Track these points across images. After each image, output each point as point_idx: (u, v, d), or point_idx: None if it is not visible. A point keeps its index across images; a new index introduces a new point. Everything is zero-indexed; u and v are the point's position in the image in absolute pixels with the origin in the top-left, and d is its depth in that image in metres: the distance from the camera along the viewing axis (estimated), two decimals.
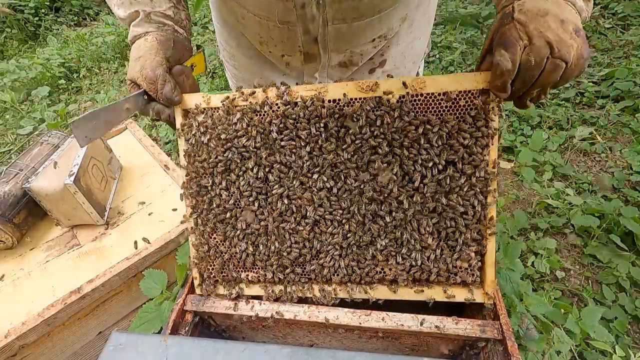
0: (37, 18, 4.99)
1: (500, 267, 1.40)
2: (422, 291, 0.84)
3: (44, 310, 1.21)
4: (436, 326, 0.83)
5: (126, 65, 4.21)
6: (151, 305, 1.09)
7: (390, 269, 0.84)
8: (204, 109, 0.87)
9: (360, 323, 0.84)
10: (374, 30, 1.03)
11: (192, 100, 0.88)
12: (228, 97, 0.85)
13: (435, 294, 0.84)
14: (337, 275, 0.86)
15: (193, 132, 0.87)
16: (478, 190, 0.79)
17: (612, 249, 1.89)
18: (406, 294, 0.85)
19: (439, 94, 0.76)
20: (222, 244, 0.90)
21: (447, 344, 0.91)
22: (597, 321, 1.49)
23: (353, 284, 0.86)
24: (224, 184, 0.86)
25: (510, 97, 0.71)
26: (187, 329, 0.90)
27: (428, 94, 0.76)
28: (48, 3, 5.16)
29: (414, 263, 0.83)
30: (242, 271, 0.90)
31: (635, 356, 1.42)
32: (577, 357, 1.46)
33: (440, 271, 0.83)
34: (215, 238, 0.91)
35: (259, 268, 0.89)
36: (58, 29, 5.04)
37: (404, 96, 0.77)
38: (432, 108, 0.77)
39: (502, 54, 0.65)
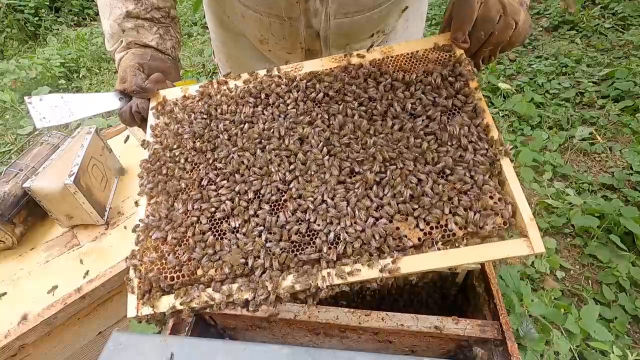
0: (37, 18, 4.99)
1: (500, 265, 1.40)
2: (452, 250, 0.65)
3: (44, 310, 1.21)
4: (436, 326, 0.83)
5: None
6: None
7: (409, 229, 0.66)
8: (183, 98, 0.89)
9: (360, 323, 0.84)
10: (373, 25, 1.04)
11: (168, 93, 0.90)
12: (210, 82, 0.89)
13: (469, 255, 0.64)
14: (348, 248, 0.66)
15: (171, 115, 0.87)
16: (469, 115, 0.74)
17: (612, 249, 1.89)
18: (432, 260, 0.65)
19: (408, 54, 0.83)
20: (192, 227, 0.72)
21: (447, 344, 0.91)
22: (595, 319, 1.49)
23: (367, 259, 0.65)
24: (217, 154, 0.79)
25: (468, 52, 0.80)
26: (187, 329, 0.90)
27: (398, 55, 0.83)
28: (48, 3, 5.15)
29: (428, 212, 0.66)
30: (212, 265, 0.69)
31: (632, 355, 1.42)
32: (577, 357, 1.46)
33: (463, 219, 0.66)
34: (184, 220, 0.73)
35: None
36: (58, 29, 5.04)
37: (375, 60, 0.83)
38: (405, 65, 0.83)
39: (463, 7, 0.75)
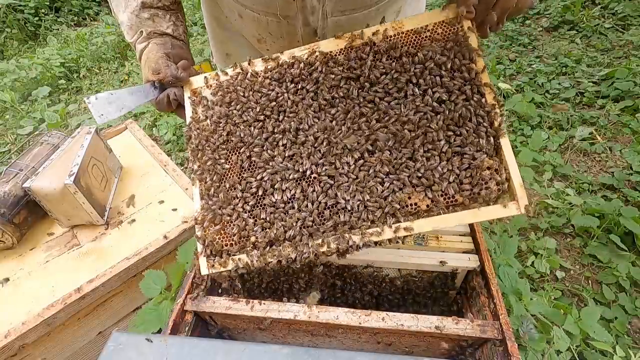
0: (37, 18, 4.99)
1: (499, 263, 1.40)
2: (455, 212, 0.75)
3: (44, 310, 1.21)
4: (436, 326, 0.83)
5: (126, 65, 4.20)
6: (151, 306, 1.09)
7: (419, 198, 0.78)
8: (213, 84, 0.94)
9: (360, 323, 0.84)
10: (371, 23, 1.04)
11: (199, 80, 0.95)
12: (237, 66, 0.93)
13: (468, 216, 0.75)
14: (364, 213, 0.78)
15: (205, 104, 0.94)
16: (471, 93, 0.79)
17: (612, 249, 1.89)
18: (438, 221, 0.76)
19: (417, 29, 0.84)
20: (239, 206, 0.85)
21: (447, 344, 0.91)
22: (596, 321, 1.49)
23: (387, 222, 0.77)
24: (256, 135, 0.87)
25: (475, 20, 0.81)
26: (187, 329, 0.90)
27: (408, 30, 0.84)
28: (48, 3, 5.16)
29: (435, 180, 0.76)
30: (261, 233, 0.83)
31: (635, 356, 1.42)
32: (577, 357, 1.46)
33: (465, 186, 0.75)
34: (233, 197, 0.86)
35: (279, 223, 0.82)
36: (58, 29, 5.04)
37: (389, 36, 0.84)
38: (414, 41, 0.85)
39: None
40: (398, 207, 0.77)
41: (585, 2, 3.84)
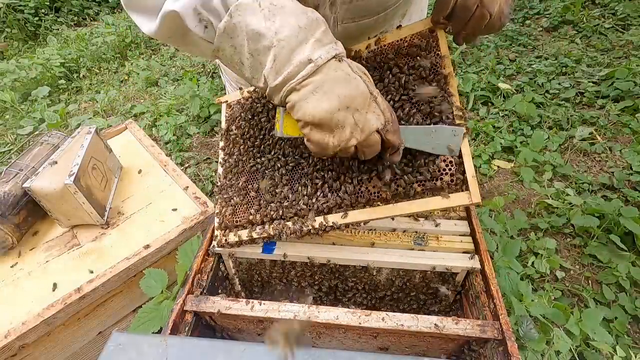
0: (37, 18, 4.99)
1: (499, 266, 1.40)
2: (410, 203, 0.84)
3: (44, 310, 1.21)
4: (436, 326, 0.83)
5: (126, 65, 4.20)
6: (151, 305, 1.09)
7: (374, 187, 0.87)
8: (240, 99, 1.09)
9: (360, 323, 0.84)
10: (379, 27, 1.06)
11: (232, 96, 1.11)
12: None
13: (422, 205, 0.84)
14: (331, 202, 0.90)
15: (235, 114, 1.08)
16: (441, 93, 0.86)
17: (612, 249, 1.89)
18: (394, 210, 0.85)
19: (398, 40, 0.91)
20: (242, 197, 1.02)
21: (447, 344, 0.91)
22: (598, 323, 1.49)
23: (349, 209, 0.89)
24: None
25: (448, 33, 0.88)
26: (187, 329, 0.90)
27: (391, 42, 0.91)
28: (48, 3, 5.16)
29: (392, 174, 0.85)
30: (254, 214, 0.99)
31: (636, 357, 1.42)
32: (577, 358, 1.46)
33: (421, 177, 0.83)
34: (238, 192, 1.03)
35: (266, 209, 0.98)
36: (58, 29, 5.04)
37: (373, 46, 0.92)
38: (393, 50, 0.92)
39: None
40: (370, 195, 0.87)
41: (585, 2, 3.84)
